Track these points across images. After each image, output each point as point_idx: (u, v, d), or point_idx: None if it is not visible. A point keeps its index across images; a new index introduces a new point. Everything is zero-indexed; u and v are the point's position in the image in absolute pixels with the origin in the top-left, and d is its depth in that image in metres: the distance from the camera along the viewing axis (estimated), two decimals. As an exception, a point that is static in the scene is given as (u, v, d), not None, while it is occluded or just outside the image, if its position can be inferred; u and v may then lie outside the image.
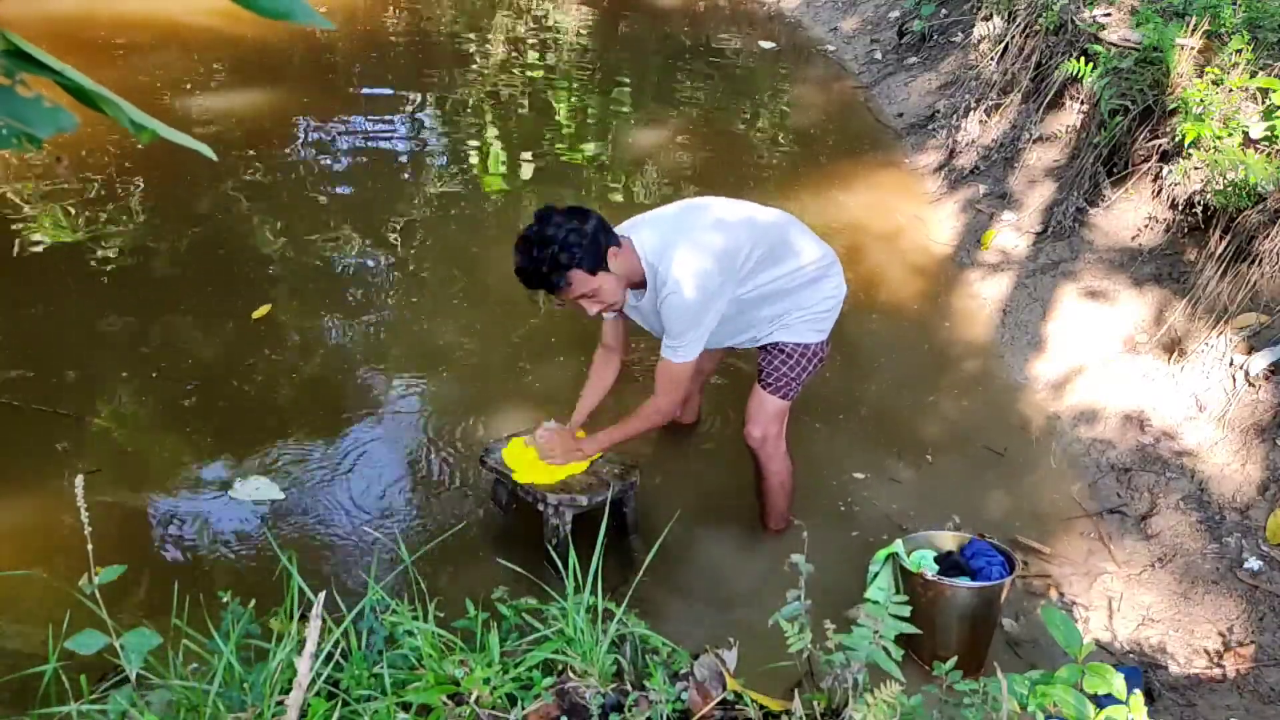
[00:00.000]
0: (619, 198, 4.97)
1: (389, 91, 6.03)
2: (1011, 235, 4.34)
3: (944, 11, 6.26)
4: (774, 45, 7.41)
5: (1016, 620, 2.74)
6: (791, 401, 2.75)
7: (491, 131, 5.62)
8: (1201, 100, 3.55)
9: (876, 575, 2.60)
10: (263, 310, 3.73)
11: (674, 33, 7.59)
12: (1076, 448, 3.36)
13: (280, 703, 1.43)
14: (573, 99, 6.22)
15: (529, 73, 6.58)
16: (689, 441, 3.35)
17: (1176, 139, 3.67)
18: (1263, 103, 3.49)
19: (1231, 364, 3.18)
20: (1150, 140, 3.95)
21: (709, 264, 2.43)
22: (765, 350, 2.74)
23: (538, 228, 2.33)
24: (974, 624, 2.54)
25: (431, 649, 1.58)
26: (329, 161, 5.11)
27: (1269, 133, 3.37)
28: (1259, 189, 3.25)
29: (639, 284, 2.51)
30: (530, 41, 7.14)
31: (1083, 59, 4.23)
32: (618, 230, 2.49)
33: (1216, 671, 2.53)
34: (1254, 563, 2.76)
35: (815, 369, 2.74)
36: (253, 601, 1.70)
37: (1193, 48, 3.95)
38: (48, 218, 4.25)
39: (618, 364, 2.84)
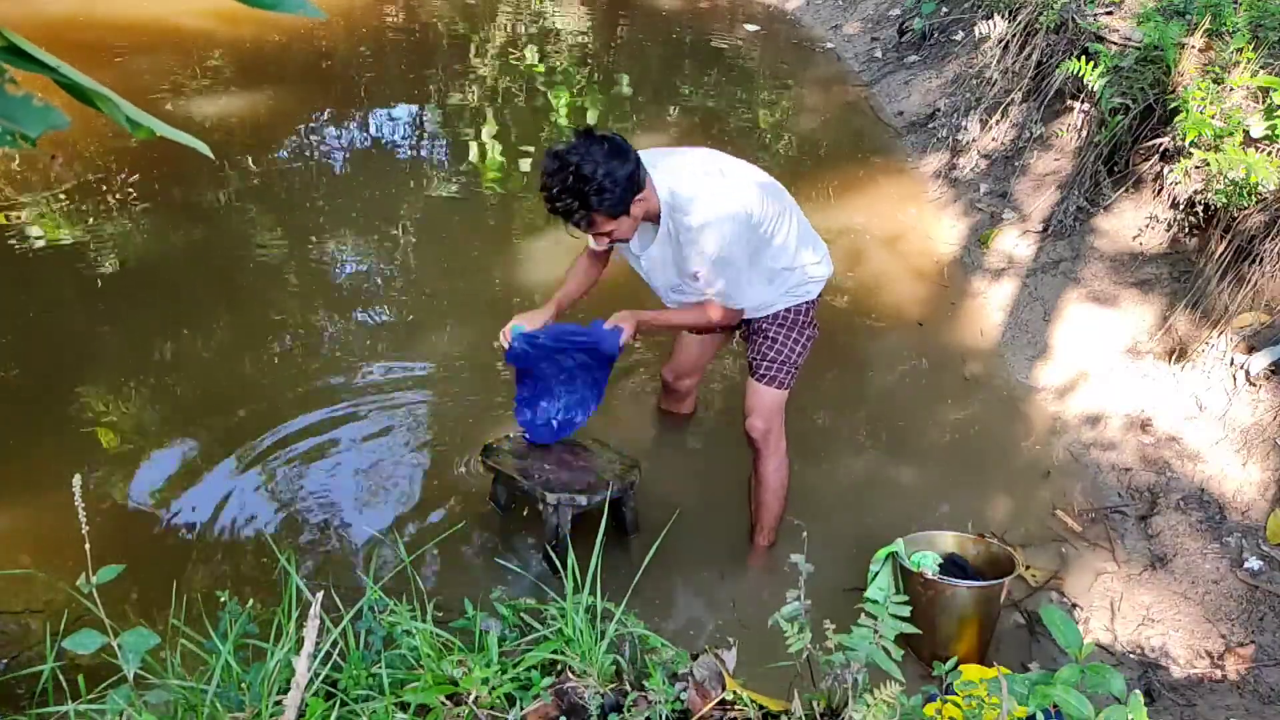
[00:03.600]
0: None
1: (387, 91, 6.02)
2: (1012, 235, 4.34)
3: (944, 10, 6.26)
4: (757, 28, 7.44)
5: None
6: (788, 391, 2.73)
7: (490, 131, 5.61)
8: (1202, 99, 3.54)
9: (876, 575, 2.60)
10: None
11: (673, 32, 7.58)
12: (1077, 447, 3.36)
13: (278, 702, 1.43)
14: (572, 98, 6.22)
15: (528, 72, 6.58)
16: (688, 441, 3.34)
17: (1178, 138, 3.67)
18: (1263, 102, 3.49)
19: (1232, 364, 3.18)
20: (1151, 139, 3.94)
21: (732, 214, 2.39)
22: (752, 341, 2.74)
23: (577, 160, 2.22)
24: (974, 623, 2.54)
25: (430, 649, 1.58)
26: (327, 161, 5.11)
27: (1270, 132, 3.36)
28: (1260, 188, 3.24)
29: (651, 220, 2.46)
30: (529, 40, 7.13)
31: (1084, 58, 4.23)
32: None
33: (1216, 671, 2.52)
34: (1254, 563, 2.76)
35: (805, 352, 2.72)
36: (250, 601, 1.70)
37: (1194, 46, 3.94)
38: (43, 216, 4.24)
39: (598, 274, 2.78)
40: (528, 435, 2.86)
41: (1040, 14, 4.86)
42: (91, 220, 4.23)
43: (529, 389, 2.81)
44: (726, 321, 2.64)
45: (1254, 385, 3.10)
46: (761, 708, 1.57)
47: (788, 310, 2.68)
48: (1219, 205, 3.41)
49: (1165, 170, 3.78)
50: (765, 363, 2.70)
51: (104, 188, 4.47)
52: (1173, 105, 3.71)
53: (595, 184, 2.23)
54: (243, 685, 1.52)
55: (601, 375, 2.78)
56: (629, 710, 1.50)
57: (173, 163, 4.67)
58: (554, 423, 2.85)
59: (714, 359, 3.33)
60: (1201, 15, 3.99)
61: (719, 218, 2.39)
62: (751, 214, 2.45)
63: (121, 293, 3.81)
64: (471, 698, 1.50)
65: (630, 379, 3.53)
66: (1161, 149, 3.86)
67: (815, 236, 2.73)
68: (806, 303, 2.70)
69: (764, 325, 2.70)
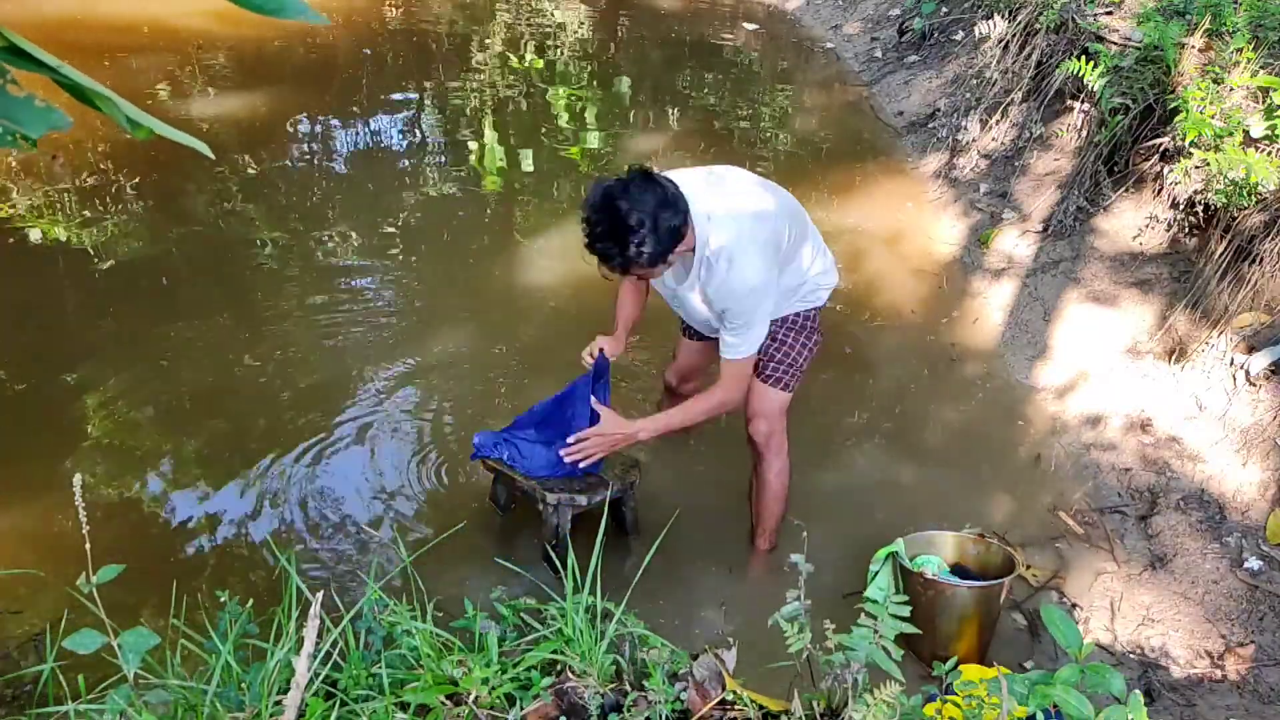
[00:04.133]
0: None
1: (387, 91, 6.03)
2: (1012, 235, 4.34)
3: (944, 10, 6.26)
4: (756, 26, 7.45)
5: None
6: (791, 393, 2.74)
7: (490, 130, 5.61)
8: (1202, 99, 3.54)
9: (876, 575, 2.60)
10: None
11: (673, 31, 7.58)
12: (1077, 447, 3.36)
13: (278, 702, 1.43)
14: (572, 98, 6.22)
15: (528, 71, 6.58)
16: (688, 441, 3.34)
17: (1178, 138, 3.67)
18: (1263, 102, 3.49)
19: (1232, 364, 3.18)
20: (1151, 139, 3.94)
21: (762, 261, 2.38)
22: None
23: (627, 208, 2.13)
24: (974, 623, 2.54)
25: (430, 649, 1.58)
26: (327, 161, 5.11)
27: (1269, 132, 3.36)
28: (1260, 188, 3.24)
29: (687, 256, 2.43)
30: (529, 40, 7.13)
31: (1084, 58, 4.23)
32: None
33: (1216, 671, 2.52)
34: (1254, 563, 2.76)
35: (812, 354, 2.72)
36: (250, 601, 1.70)
37: (1194, 46, 3.94)
38: (44, 217, 4.24)
39: (646, 293, 2.77)
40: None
41: (1040, 14, 4.86)
42: (91, 220, 4.23)
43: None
44: (738, 396, 2.58)
45: (1254, 385, 3.10)
46: (761, 708, 1.57)
47: (796, 314, 2.69)
48: (1219, 205, 3.41)
49: (1165, 170, 3.78)
50: (772, 364, 2.70)
51: (104, 188, 4.47)
52: (1173, 105, 3.71)
53: (640, 235, 2.15)
54: (243, 685, 1.52)
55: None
56: (629, 710, 1.50)
57: (172, 162, 4.68)
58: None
59: (711, 364, 3.31)
60: (1201, 15, 3.99)
61: (751, 255, 2.36)
62: (780, 246, 2.46)
63: (121, 292, 3.81)
64: (471, 698, 1.50)
65: (630, 382, 3.53)
66: (1161, 149, 3.86)
67: (824, 247, 2.74)
68: (814, 308, 2.71)
69: (771, 328, 2.70)
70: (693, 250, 2.37)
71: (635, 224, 2.14)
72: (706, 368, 3.23)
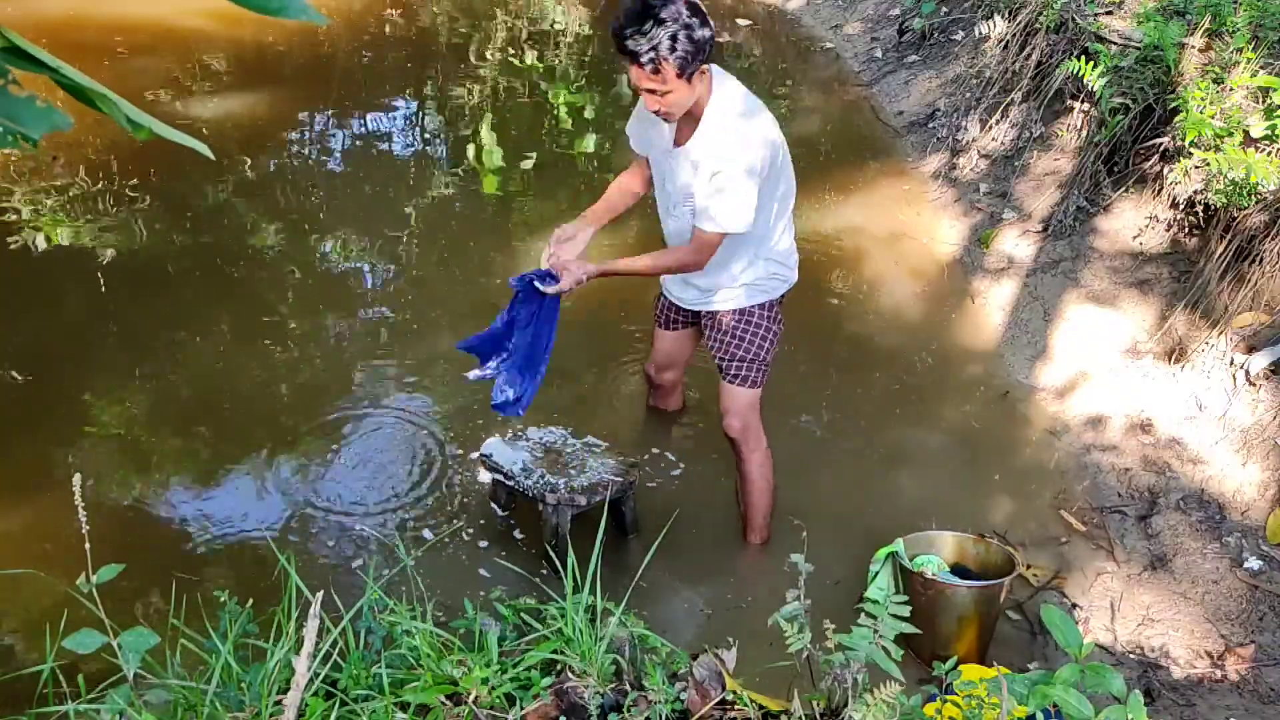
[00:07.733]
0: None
1: (386, 91, 6.02)
2: (1012, 235, 4.34)
3: (944, 10, 6.25)
4: (750, 23, 7.46)
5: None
6: (760, 388, 2.75)
7: (490, 131, 5.61)
8: (1202, 99, 3.54)
9: (876, 574, 2.60)
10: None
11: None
12: (1077, 447, 3.36)
13: (278, 702, 1.43)
14: (571, 98, 6.22)
15: (527, 71, 6.58)
16: (687, 441, 3.34)
17: (1178, 138, 3.67)
18: (1263, 102, 3.49)
19: (1232, 363, 3.18)
20: (1151, 139, 3.94)
21: (754, 143, 2.45)
22: (719, 341, 2.74)
23: (660, 5, 2.25)
24: (974, 623, 2.54)
25: (430, 649, 1.58)
26: (327, 162, 5.11)
27: (1270, 132, 3.36)
28: (1260, 188, 3.24)
29: (695, 118, 2.47)
30: (528, 40, 7.13)
31: (1084, 58, 4.23)
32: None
33: (1216, 671, 2.52)
34: (1254, 562, 2.76)
35: (772, 349, 2.73)
36: (250, 601, 1.70)
37: (1194, 46, 3.94)
38: (44, 217, 4.24)
39: (640, 189, 2.80)
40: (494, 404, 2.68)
41: (1040, 14, 4.86)
42: (92, 221, 4.23)
43: (487, 343, 2.73)
44: (700, 261, 2.58)
45: (1254, 385, 3.10)
46: (761, 708, 1.57)
47: (753, 308, 2.71)
48: (1219, 205, 3.41)
49: (1165, 170, 3.78)
50: (735, 363, 2.72)
51: (104, 188, 4.47)
52: (1173, 105, 3.71)
53: (672, 30, 2.24)
54: (243, 685, 1.53)
55: (545, 330, 2.65)
56: (629, 710, 1.51)
57: (173, 163, 4.67)
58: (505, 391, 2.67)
59: (693, 358, 3.27)
60: (1201, 15, 3.99)
61: (747, 131, 2.44)
62: (777, 156, 2.52)
63: (121, 293, 3.81)
64: (471, 698, 1.50)
65: (629, 381, 3.53)
66: (1161, 149, 3.86)
67: (793, 244, 2.78)
68: (772, 300, 2.73)
69: (731, 324, 2.71)
70: (701, 112, 2.44)
71: (669, 18, 2.24)
72: (684, 360, 3.22)
